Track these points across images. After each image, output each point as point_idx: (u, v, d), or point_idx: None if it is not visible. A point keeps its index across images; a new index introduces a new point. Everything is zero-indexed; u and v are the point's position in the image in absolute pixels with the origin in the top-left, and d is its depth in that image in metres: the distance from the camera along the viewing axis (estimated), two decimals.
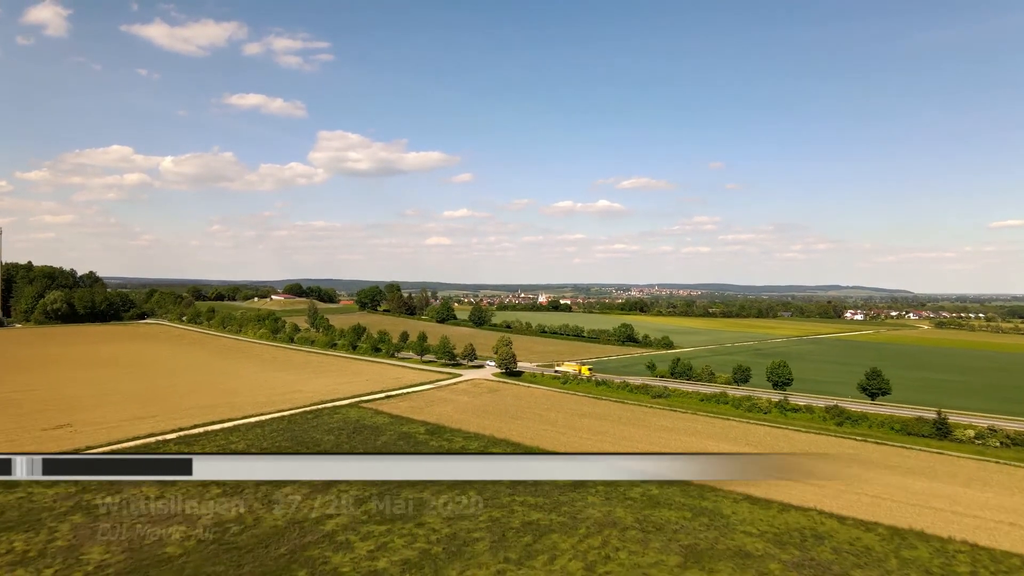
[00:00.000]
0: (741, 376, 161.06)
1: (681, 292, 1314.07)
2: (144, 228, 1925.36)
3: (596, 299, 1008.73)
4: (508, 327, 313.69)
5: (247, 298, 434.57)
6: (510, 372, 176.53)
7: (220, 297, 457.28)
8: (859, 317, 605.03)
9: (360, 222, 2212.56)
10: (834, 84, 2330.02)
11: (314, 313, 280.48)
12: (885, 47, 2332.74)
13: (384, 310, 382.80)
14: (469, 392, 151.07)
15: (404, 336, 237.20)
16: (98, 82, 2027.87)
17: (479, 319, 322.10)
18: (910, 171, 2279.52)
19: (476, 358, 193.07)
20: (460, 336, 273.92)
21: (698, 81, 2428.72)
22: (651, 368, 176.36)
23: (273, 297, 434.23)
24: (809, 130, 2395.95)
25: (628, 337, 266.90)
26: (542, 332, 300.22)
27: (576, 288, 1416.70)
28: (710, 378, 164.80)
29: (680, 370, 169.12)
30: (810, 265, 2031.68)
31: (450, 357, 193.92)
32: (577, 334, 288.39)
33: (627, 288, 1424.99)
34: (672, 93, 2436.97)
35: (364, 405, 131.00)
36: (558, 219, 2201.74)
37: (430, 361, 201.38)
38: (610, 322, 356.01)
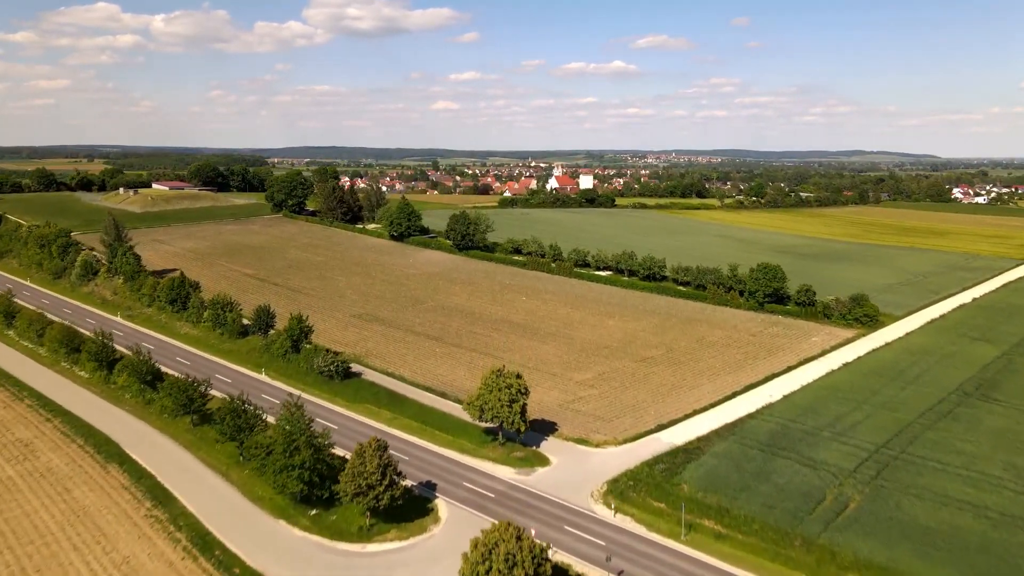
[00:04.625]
0: None
1: (700, 159, 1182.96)
2: (143, 94, 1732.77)
3: (615, 168, 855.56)
4: (517, 251, 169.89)
5: (116, 187, 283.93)
6: None
7: (86, 185, 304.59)
8: (981, 200, 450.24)
9: (364, 86, 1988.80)
10: None
11: (116, 238, 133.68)
12: None
13: (313, 211, 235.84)
14: None
15: (264, 317, 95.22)
16: None
17: (464, 239, 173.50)
18: (940, 25, 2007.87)
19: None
20: (420, 279, 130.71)
21: None
22: None
23: (155, 186, 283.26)
24: None
25: (772, 295, 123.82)
26: (581, 264, 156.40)
27: (589, 155, 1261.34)
28: None
29: None
30: (830, 129, 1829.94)
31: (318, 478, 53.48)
32: (651, 275, 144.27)
33: (642, 155, 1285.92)
34: None
35: None
36: (569, 81, 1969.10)
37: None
38: (689, 232, 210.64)
